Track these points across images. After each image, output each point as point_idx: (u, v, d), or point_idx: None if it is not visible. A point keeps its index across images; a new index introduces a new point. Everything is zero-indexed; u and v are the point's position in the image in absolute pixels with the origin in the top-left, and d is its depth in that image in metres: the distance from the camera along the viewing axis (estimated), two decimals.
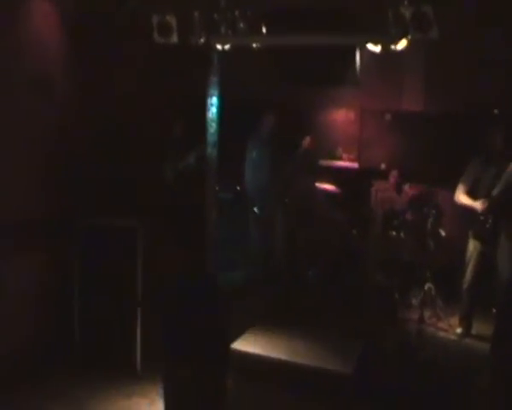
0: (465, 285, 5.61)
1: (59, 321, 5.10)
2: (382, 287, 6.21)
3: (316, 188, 7.10)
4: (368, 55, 6.70)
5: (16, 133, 4.60)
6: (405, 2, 4.60)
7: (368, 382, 4.53)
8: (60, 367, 4.89)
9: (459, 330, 5.67)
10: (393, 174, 6.77)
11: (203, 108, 5.60)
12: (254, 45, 5.72)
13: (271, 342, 4.66)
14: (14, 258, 4.65)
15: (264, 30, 5.54)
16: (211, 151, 5.68)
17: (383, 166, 7.02)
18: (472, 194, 5.49)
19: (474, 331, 5.68)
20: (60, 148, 5.10)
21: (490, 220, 5.34)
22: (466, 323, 5.67)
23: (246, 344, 4.58)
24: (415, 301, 6.13)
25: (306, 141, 6.62)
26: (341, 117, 7.73)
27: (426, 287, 5.99)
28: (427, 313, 5.89)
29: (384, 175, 6.88)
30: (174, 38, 5.31)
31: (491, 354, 5.13)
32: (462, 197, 5.55)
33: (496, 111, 6.56)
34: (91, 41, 5.33)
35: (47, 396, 4.45)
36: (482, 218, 5.36)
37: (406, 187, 6.70)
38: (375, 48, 5.30)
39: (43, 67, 4.95)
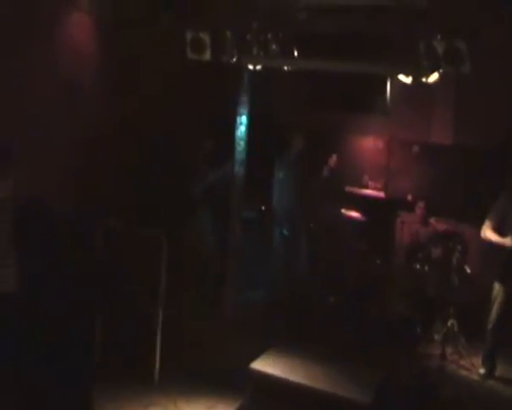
0: (489, 325, 5.43)
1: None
2: (404, 319, 6.07)
3: (341, 214, 7.03)
4: (399, 84, 6.73)
5: (53, 134, 4.68)
6: (438, 37, 4.60)
7: None
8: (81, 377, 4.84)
9: (482, 371, 5.47)
10: (420, 206, 6.68)
11: (232, 126, 5.63)
12: (285, 67, 5.77)
13: (290, 364, 4.59)
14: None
15: (295, 53, 5.58)
16: (238, 169, 5.69)
17: (410, 197, 6.93)
18: (499, 231, 5.36)
19: (497, 373, 5.48)
20: (92, 152, 5.17)
21: None
22: (489, 363, 5.47)
23: (265, 365, 4.53)
24: (437, 337, 5.96)
25: (332, 160, 6.58)
26: (369, 145, 7.69)
27: (449, 323, 5.82)
28: (448, 350, 5.71)
29: (410, 206, 6.79)
30: (207, 56, 5.38)
31: None
32: (488, 234, 5.40)
33: None
34: (126, 53, 5.42)
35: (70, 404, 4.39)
36: (510, 257, 5.22)
37: (432, 220, 6.60)
38: (406, 79, 5.31)
39: (79, 75, 5.05)
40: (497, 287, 5.39)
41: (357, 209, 7.09)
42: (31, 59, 4.51)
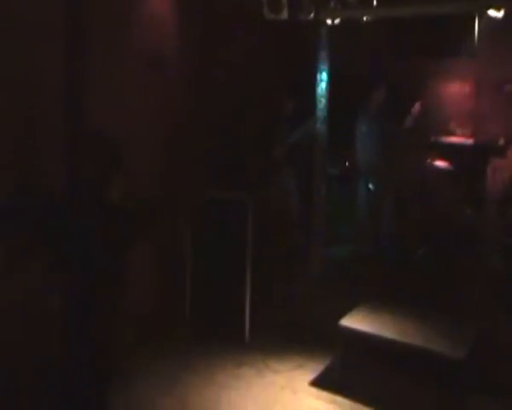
0: None
1: (172, 291, 5.35)
2: (499, 271, 5.88)
3: (428, 164, 6.83)
4: (486, 24, 6.35)
5: (135, 108, 4.77)
6: None
7: (479, 371, 4.35)
8: (173, 335, 5.14)
9: None
10: None
11: (313, 83, 5.58)
12: (365, 18, 5.60)
13: (380, 320, 4.58)
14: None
15: (374, 1, 5.41)
16: (320, 127, 5.67)
17: (502, 141, 6.58)
18: None
19: None
20: (174, 123, 5.28)
21: None
22: None
23: (353, 321, 4.53)
24: None
25: (416, 108, 6.33)
26: (455, 90, 7.32)
27: None
28: None
29: (502, 151, 6.46)
30: (284, 14, 5.35)
31: None
32: None
33: None
34: (205, 20, 5.45)
35: (162, 362, 4.70)
36: None
37: None
38: (496, 13, 5.02)
39: (159, 46, 5.13)
40: None
41: (444, 158, 6.86)
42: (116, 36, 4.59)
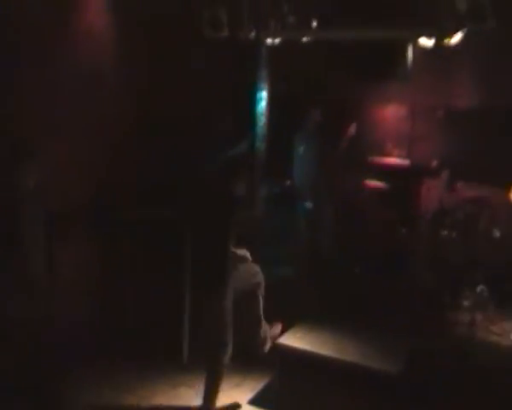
0: None
1: (107, 309, 5.19)
2: (432, 287, 6.06)
3: (364, 185, 6.98)
4: (419, 50, 6.59)
5: (70, 123, 4.71)
6: None
7: (416, 383, 4.43)
8: (108, 355, 4.96)
9: None
10: (444, 172, 6.59)
11: (252, 101, 5.62)
12: (304, 39, 5.71)
13: (318, 338, 4.63)
14: (64, 245, 4.73)
15: (313, 24, 5.52)
16: (259, 145, 5.70)
17: (435, 163, 6.83)
18: None
19: None
20: (110, 138, 5.20)
21: None
22: None
23: (291, 340, 4.57)
24: (466, 304, 5.93)
25: (352, 129, 6.50)
26: (392, 113, 7.56)
27: (478, 289, 5.80)
28: (479, 317, 5.69)
29: (435, 172, 6.70)
30: (225, 33, 5.37)
31: None
32: None
33: None
34: (143, 34, 5.40)
35: (96, 382, 4.57)
36: None
37: (459, 185, 6.53)
38: (427, 42, 5.21)
39: (96, 60, 5.04)
40: None
41: (381, 178, 7.04)
42: (52, 48, 4.53)
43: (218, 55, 6.04)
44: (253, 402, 4.48)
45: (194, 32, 5.45)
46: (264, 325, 4.61)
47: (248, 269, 4.49)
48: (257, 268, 4.59)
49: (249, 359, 4.88)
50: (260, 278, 4.57)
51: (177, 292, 5.01)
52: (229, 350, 4.19)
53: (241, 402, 4.46)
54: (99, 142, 5.05)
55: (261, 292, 4.59)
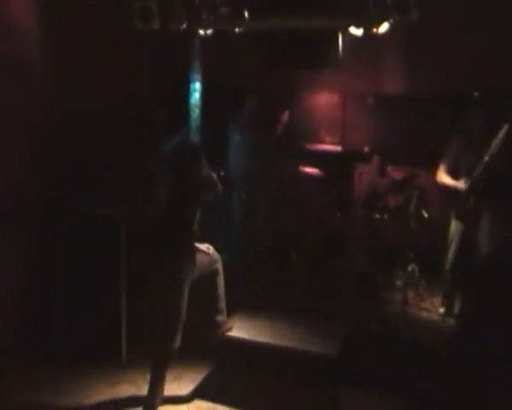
0: (448, 266, 5.70)
1: (43, 310, 5.09)
2: (366, 268, 6.27)
3: (299, 171, 7.10)
4: (350, 38, 6.73)
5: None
6: None
7: (352, 363, 4.60)
8: (44, 357, 4.88)
9: (442, 310, 5.77)
10: (375, 159, 6.79)
11: (185, 92, 5.59)
12: (236, 30, 5.71)
13: (256, 326, 4.69)
14: None
15: (246, 14, 5.52)
16: (193, 136, 5.69)
17: (366, 148, 7.04)
18: (453, 173, 5.56)
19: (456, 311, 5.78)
20: (37, 136, 5.02)
21: (471, 201, 5.42)
22: (448, 302, 5.77)
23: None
24: (399, 283, 6.20)
25: (285, 116, 6.59)
26: (324, 100, 7.71)
27: (409, 268, 6.06)
28: (410, 295, 5.96)
29: (367, 158, 6.91)
30: (155, 24, 5.28)
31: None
32: (443, 177, 5.62)
33: (476, 93, 6.60)
34: (70, 27, 5.24)
35: (33, 386, 4.47)
36: (463, 198, 5.44)
37: (389, 169, 6.75)
38: (356, 31, 5.33)
39: (20, 54, 4.85)
40: (453, 229, 5.64)
41: (314, 165, 7.18)
42: None
43: (150, 47, 5.97)
44: (194, 394, 4.50)
45: (126, 24, 5.35)
46: (222, 312, 4.65)
47: (209, 258, 4.54)
48: (217, 256, 4.64)
49: (190, 350, 4.92)
50: (219, 265, 4.64)
51: (113, 291, 4.95)
52: (179, 338, 4.22)
53: (182, 394, 4.48)
54: (24, 140, 4.88)
55: (220, 279, 4.65)
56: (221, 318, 4.64)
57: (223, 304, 4.67)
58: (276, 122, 6.51)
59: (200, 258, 4.38)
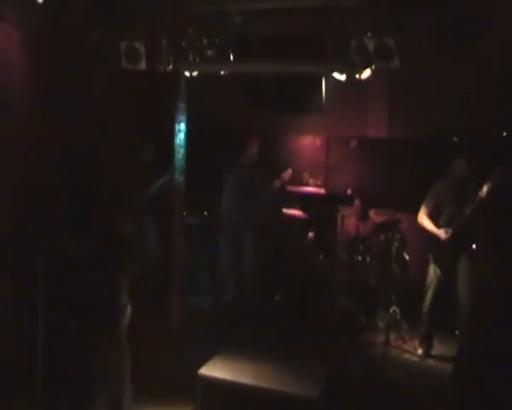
0: (425, 309, 5.76)
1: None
2: (349, 310, 6.28)
3: (283, 213, 7.16)
4: (334, 83, 6.90)
5: None
6: (368, 34, 4.77)
7: (334, 405, 4.56)
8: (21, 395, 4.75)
9: (420, 352, 5.79)
10: (357, 199, 6.89)
11: (171, 134, 5.64)
12: (222, 72, 5.82)
13: (239, 366, 4.63)
14: None
15: (231, 57, 5.63)
16: (178, 177, 5.71)
17: (349, 191, 7.13)
18: (434, 218, 5.66)
19: (435, 352, 5.80)
20: (21, 172, 5.02)
21: (450, 248, 5.52)
22: (427, 344, 5.80)
23: (213, 369, 4.53)
24: (381, 325, 6.21)
25: (287, 173, 6.69)
26: (308, 143, 7.85)
27: (391, 310, 6.09)
28: (392, 336, 5.96)
29: (350, 200, 7.00)
30: (142, 65, 5.35)
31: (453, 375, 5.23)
32: (424, 221, 5.70)
33: (455, 138, 6.78)
34: (57, 66, 5.30)
35: None
36: (442, 245, 5.53)
37: (371, 212, 6.84)
38: (340, 76, 5.46)
39: (6, 91, 4.89)
40: (431, 273, 5.71)
41: (299, 207, 7.24)
42: None
43: (137, 86, 6.05)
44: None
45: (113, 63, 5.43)
46: None
47: None
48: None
49: (171, 391, 4.85)
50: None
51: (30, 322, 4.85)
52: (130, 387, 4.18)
53: None
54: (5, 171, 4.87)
55: None
56: None
57: None
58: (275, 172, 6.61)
59: None
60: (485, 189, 5.27)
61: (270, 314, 6.28)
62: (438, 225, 5.60)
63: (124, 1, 5.34)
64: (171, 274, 5.81)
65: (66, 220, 5.21)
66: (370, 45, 4.81)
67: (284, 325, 5.99)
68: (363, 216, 6.83)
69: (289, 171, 6.68)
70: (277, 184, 6.63)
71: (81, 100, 5.58)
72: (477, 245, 5.69)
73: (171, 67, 5.47)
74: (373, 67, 4.99)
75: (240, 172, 6.63)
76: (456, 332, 5.81)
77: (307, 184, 7.65)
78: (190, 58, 5.58)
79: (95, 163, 5.68)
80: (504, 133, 6.51)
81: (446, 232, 5.51)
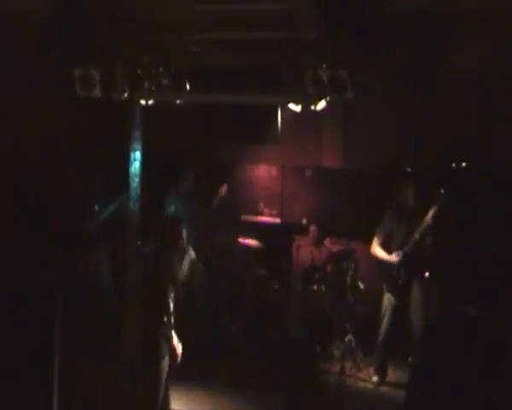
0: (380, 337, 5.81)
1: None
2: (304, 340, 6.26)
3: (238, 243, 7.14)
4: (289, 113, 7.00)
5: None
6: (323, 66, 4.87)
7: None
8: None
9: (375, 379, 5.83)
10: (312, 229, 6.92)
11: (125, 161, 5.57)
12: (178, 101, 5.82)
13: (195, 398, 4.57)
14: None
15: (187, 86, 5.64)
16: (133, 206, 5.62)
17: (304, 221, 7.17)
18: (386, 247, 5.76)
19: (390, 379, 5.84)
20: None
21: (403, 274, 5.61)
22: (381, 372, 5.84)
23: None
24: (336, 353, 6.22)
25: (223, 189, 6.71)
26: (263, 173, 7.90)
27: (346, 339, 6.11)
28: (348, 365, 5.98)
29: (305, 230, 7.04)
30: (97, 92, 5.29)
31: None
32: (377, 250, 5.80)
33: (408, 169, 6.95)
34: (9, 89, 5.20)
35: None
36: (395, 272, 5.63)
37: (326, 242, 6.88)
38: (295, 107, 5.53)
39: None
40: (385, 301, 5.78)
41: (253, 236, 7.23)
42: None
43: (91, 113, 5.98)
44: None
45: (68, 91, 5.35)
46: None
47: None
48: None
49: None
50: None
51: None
52: None
53: None
54: None
55: None
56: None
57: None
58: (213, 195, 6.61)
59: None
60: (430, 213, 5.44)
61: (226, 344, 6.21)
62: (390, 251, 5.71)
63: (78, 27, 5.29)
64: (125, 305, 5.67)
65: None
66: (325, 77, 4.89)
67: (241, 355, 5.93)
68: (318, 242, 6.85)
69: (225, 186, 6.71)
70: (215, 201, 6.65)
71: (33, 126, 5.47)
72: (429, 272, 5.80)
73: (126, 95, 5.44)
74: (328, 98, 5.07)
75: (177, 201, 6.65)
76: (410, 359, 5.86)
77: (262, 214, 7.68)
78: (146, 86, 5.56)
79: (47, 190, 5.56)
80: (454, 164, 6.71)
81: (398, 255, 5.62)
